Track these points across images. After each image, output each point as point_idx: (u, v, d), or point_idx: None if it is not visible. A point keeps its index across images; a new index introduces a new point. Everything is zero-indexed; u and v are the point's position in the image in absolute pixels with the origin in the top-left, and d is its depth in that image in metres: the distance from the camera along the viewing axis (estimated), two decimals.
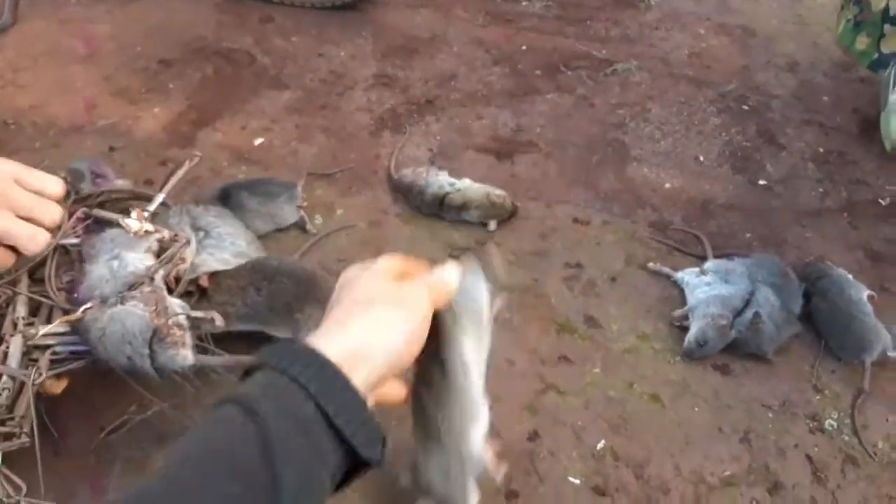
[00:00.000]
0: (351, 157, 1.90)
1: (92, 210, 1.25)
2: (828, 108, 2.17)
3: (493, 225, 1.71)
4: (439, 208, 1.71)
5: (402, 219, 1.74)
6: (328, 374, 0.58)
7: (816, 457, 1.33)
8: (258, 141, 1.94)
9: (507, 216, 1.73)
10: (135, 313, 1.07)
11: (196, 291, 1.26)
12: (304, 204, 1.70)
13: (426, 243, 1.68)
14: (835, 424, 1.39)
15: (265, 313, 1.31)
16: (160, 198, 1.34)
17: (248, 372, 0.59)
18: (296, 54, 2.30)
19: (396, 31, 2.45)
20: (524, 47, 2.42)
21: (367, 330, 0.63)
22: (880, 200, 1.88)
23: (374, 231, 1.70)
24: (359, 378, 0.59)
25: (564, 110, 2.13)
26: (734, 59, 2.39)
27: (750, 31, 2.55)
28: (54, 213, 0.87)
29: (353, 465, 0.59)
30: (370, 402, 0.61)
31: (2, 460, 1.06)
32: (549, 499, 1.24)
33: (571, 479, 1.27)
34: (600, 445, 1.32)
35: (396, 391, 0.69)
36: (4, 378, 1.06)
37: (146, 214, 1.27)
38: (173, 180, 1.40)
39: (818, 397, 1.43)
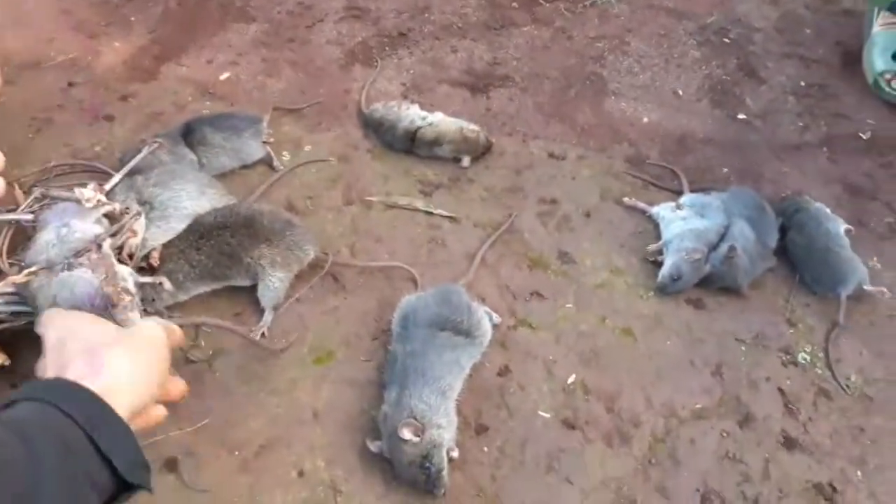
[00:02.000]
0: (320, 92, 1.83)
1: (49, 189, 1.21)
2: (809, 40, 2.12)
3: (466, 161, 1.66)
4: (411, 143, 1.66)
5: (373, 154, 1.68)
6: (95, 407, 0.66)
7: (789, 390, 1.33)
8: (224, 76, 1.86)
9: (482, 152, 1.68)
10: (83, 279, 1.04)
11: (148, 269, 1.24)
12: (271, 139, 1.64)
13: (398, 179, 1.63)
14: (808, 358, 1.38)
15: (214, 269, 1.31)
16: (118, 178, 1.31)
17: (9, 404, 0.64)
18: None
19: None
20: None
21: (115, 368, 0.72)
22: (861, 134, 1.84)
23: (343, 167, 1.64)
24: (120, 409, 0.67)
25: (542, 43, 2.06)
26: None
27: None
28: None
29: (125, 486, 0.66)
30: (133, 429, 0.69)
31: None
32: (518, 432, 1.22)
33: (542, 412, 1.25)
34: (571, 379, 1.31)
35: (157, 413, 0.81)
36: None
37: (105, 188, 1.24)
38: (132, 162, 1.36)
39: (791, 331, 1.42)
